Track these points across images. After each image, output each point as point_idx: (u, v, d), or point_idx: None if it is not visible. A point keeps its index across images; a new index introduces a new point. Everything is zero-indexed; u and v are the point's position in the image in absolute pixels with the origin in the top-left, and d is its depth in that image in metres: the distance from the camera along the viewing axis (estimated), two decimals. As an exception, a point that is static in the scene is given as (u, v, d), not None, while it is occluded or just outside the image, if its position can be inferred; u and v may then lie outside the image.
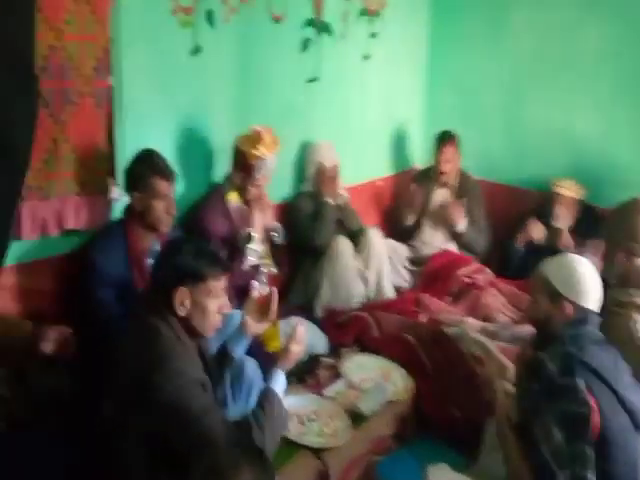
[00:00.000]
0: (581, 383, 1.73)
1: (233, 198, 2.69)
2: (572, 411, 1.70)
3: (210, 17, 2.66)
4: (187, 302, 1.65)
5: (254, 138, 2.60)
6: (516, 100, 3.84)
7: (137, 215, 2.24)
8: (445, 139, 3.55)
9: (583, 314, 1.88)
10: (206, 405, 1.58)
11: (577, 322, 1.88)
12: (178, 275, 1.65)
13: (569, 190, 3.36)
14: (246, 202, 2.71)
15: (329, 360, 2.66)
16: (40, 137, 2.12)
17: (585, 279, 1.89)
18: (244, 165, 2.62)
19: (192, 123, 2.72)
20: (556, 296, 1.90)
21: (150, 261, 2.26)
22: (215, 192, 2.70)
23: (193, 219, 2.63)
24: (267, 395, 1.79)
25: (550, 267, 1.96)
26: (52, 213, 2.21)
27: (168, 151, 2.59)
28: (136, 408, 1.55)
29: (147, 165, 2.23)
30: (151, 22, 2.46)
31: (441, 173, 3.57)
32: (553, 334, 1.91)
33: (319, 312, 3.06)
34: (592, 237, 3.29)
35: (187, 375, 1.58)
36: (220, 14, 2.70)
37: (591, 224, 3.35)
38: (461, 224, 3.51)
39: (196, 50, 2.65)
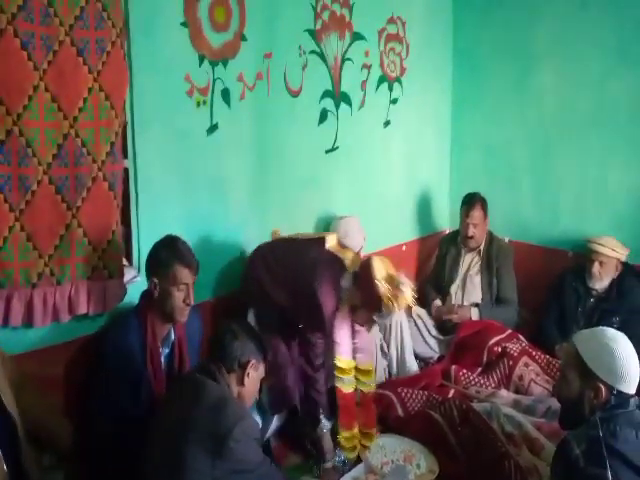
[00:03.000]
0: (608, 474, 1.54)
1: (344, 309, 2.43)
2: None
3: (226, 96, 2.66)
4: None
5: (395, 286, 2.27)
6: (545, 157, 3.67)
7: (154, 302, 2.13)
8: (471, 202, 3.40)
9: (619, 398, 1.69)
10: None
11: (612, 406, 1.69)
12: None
13: (607, 248, 3.14)
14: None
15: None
16: (53, 224, 2.13)
17: (623, 359, 1.69)
18: (373, 303, 2.31)
19: (209, 202, 2.66)
20: (589, 376, 1.71)
21: (165, 350, 2.20)
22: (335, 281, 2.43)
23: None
24: None
25: (583, 342, 1.76)
26: (64, 299, 2.16)
27: (185, 232, 2.50)
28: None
29: (170, 251, 2.12)
30: (166, 103, 2.46)
31: (468, 238, 3.42)
32: (583, 415, 1.73)
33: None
34: (631, 298, 3.10)
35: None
36: (236, 92, 2.70)
37: (631, 284, 3.15)
38: (474, 316, 3.35)
39: (212, 129, 2.64)
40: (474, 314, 3.35)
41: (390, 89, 3.58)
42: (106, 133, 2.23)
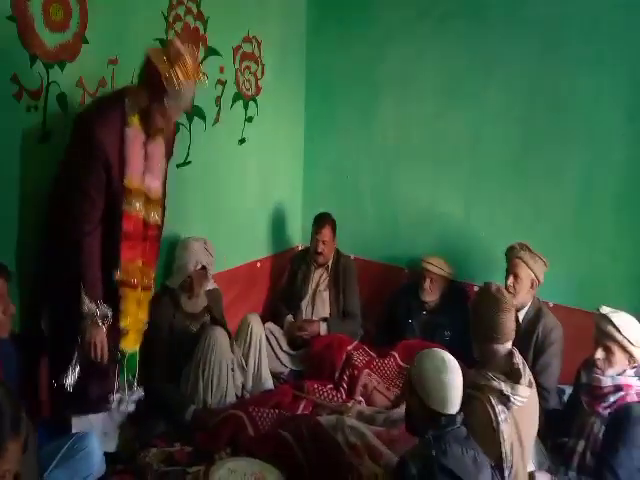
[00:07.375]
0: None
1: (135, 122, 2.12)
2: None
3: (62, 101, 2.30)
4: None
5: (173, 57, 2.01)
6: (386, 182, 3.74)
7: None
8: (321, 221, 3.42)
9: (446, 420, 1.77)
10: None
11: (440, 426, 1.77)
12: None
13: (436, 267, 3.29)
14: (147, 131, 2.15)
15: (197, 469, 2.25)
16: None
17: (447, 387, 1.78)
18: (155, 87, 2.04)
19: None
20: (421, 402, 1.81)
21: None
22: (115, 106, 2.11)
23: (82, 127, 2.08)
24: None
25: (416, 371, 1.84)
26: None
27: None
28: None
29: None
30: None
31: (317, 254, 3.41)
32: (418, 432, 1.84)
33: (188, 416, 2.58)
34: (458, 312, 3.23)
35: None
36: (75, 98, 2.35)
37: (456, 299, 3.30)
38: (322, 330, 3.32)
39: (45, 137, 2.27)
40: (323, 329, 3.32)
41: (245, 107, 3.41)
42: None
